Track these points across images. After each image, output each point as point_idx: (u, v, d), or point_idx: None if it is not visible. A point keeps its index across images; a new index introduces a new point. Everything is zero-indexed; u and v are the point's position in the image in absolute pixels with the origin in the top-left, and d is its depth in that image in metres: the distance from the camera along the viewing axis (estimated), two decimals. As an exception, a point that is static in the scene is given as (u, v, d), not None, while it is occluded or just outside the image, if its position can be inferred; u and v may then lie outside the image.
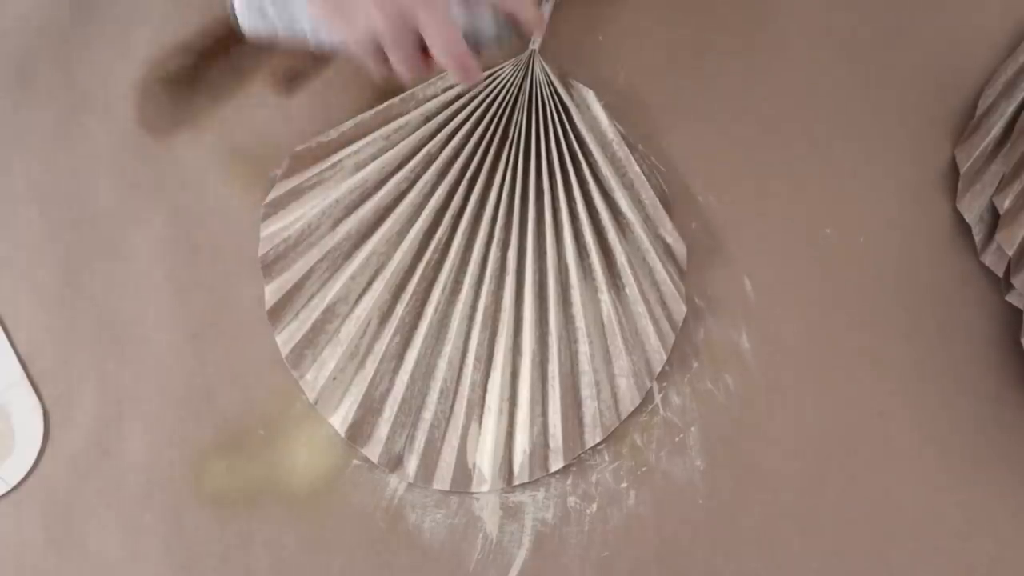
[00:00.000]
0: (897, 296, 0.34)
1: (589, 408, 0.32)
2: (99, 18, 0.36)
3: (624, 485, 0.33)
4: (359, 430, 0.32)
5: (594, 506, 0.32)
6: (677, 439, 0.33)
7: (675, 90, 0.35)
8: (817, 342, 0.33)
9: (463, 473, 0.32)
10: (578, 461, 0.33)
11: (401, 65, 0.28)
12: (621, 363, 0.32)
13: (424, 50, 0.28)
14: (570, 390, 0.32)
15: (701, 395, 0.33)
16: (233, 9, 0.29)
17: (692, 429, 0.33)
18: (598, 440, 0.32)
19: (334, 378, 0.32)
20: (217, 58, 0.36)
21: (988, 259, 0.33)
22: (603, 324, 0.32)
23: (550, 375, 0.32)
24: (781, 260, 0.34)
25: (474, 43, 0.28)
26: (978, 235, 0.34)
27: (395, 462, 0.32)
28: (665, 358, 0.32)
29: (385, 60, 0.28)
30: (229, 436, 0.33)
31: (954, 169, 0.35)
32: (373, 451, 0.32)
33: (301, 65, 0.36)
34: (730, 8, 0.36)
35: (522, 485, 0.32)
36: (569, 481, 0.33)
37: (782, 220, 0.34)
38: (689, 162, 0.35)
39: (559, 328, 0.32)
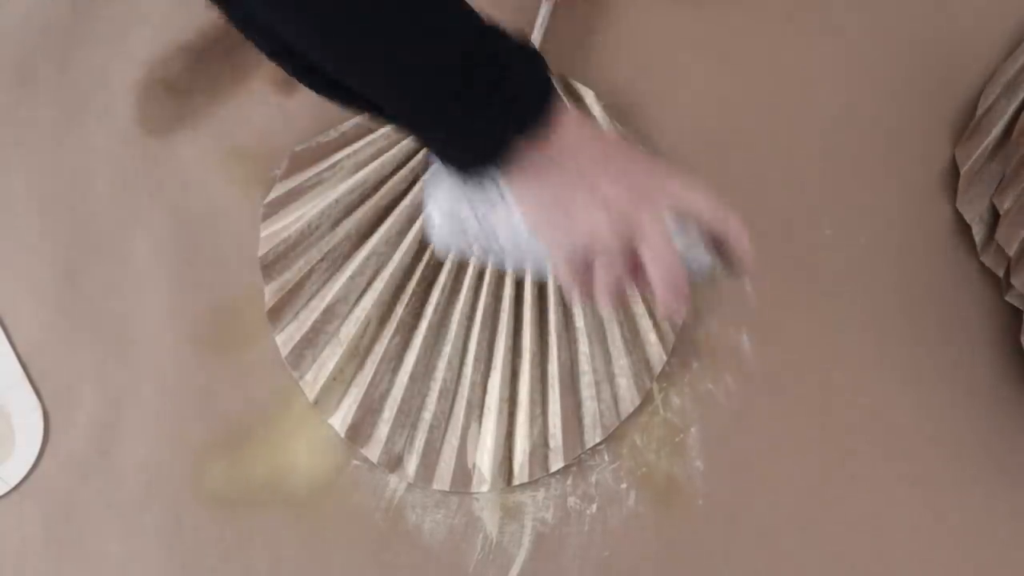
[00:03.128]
0: (897, 296, 0.35)
1: (589, 408, 0.33)
2: (99, 18, 0.37)
3: (624, 485, 0.34)
4: (359, 430, 0.33)
5: (594, 506, 0.34)
6: (677, 439, 0.34)
7: (674, 91, 0.37)
8: (817, 342, 0.35)
9: (463, 473, 0.33)
10: (578, 461, 0.34)
11: (607, 284, 0.25)
12: (621, 363, 0.33)
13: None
14: (570, 390, 0.33)
15: (701, 395, 0.34)
16: (429, 224, 0.27)
17: (692, 429, 0.34)
18: (598, 440, 0.33)
19: (334, 378, 0.34)
20: (216, 58, 0.37)
21: (988, 259, 0.35)
22: (603, 324, 0.33)
23: (550, 375, 0.33)
24: (782, 260, 0.35)
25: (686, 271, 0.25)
26: (978, 235, 0.35)
27: (395, 462, 0.33)
28: (665, 358, 0.34)
29: (588, 282, 0.25)
30: (228, 436, 0.34)
31: (954, 169, 0.36)
32: (373, 451, 0.33)
33: None
34: (728, 9, 0.37)
35: (522, 485, 0.34)
36: (569, 481, 0.34)
37: (783, 220, 0.36)
38: (689, 163, 0.36)
39: (558, 328, 0.33)
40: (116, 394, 0.35)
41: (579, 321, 0.33)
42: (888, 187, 0.36)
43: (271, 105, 0.36)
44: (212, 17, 0.37)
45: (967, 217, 0.35)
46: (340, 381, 0.34)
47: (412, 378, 0.33)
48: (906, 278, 0.35)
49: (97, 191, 0.36)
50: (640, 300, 0.33)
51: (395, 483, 0.34)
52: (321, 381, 0.34)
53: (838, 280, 0.35)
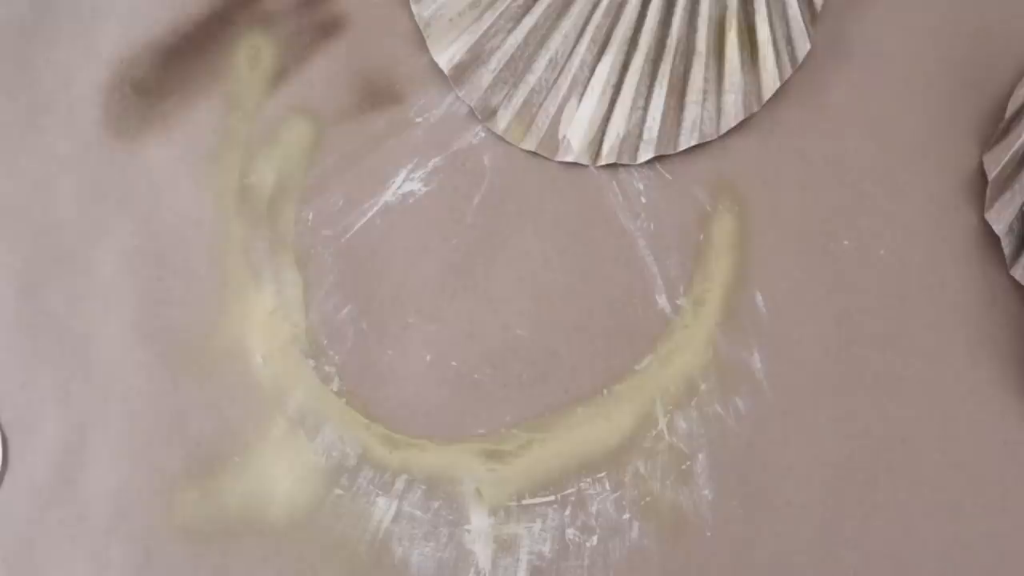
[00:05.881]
0: (920, 312, 0.34)
1: (691, 112, 0.35)
2: (62, 14, 0.37)
3: (627, 516, 0.33)
4: (462, 72, 0.36)
5: (594, 538, 0.33)
6: (683, 466, 0.33)
7: (682, 91, 0.36)
8: (834, 362, 0.34)
9: (552, 141, 0.36)
10: (576, 491, 0.33)
11: None
12: (734, 79, 0.35)
13: None
14: (677, 92, 0.35)
15: (709, 419, 0.34)
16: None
17: (700, 456, 0.34)
18: (692, 143, 0.35)
19: (450, 20, 0.36)
20: (188, 57, 0.36)
21: (1018, 272, 0.34)
22: (724, 42, 0.35)
23: (660, 74, 0.35)
24: (796, 274, 0.35)
25: None
26: (1007, 247, 0.34)
27: (489, 112, 0.36)
28: (779, 84, 0.35)
29: None
30: (202, 463, 0.34)
31: (982, 176, 0.35)
32: (471, 96, 0.36)
33: (280, 64, 0.36)
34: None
35: (517, 516, 0.33)
36: (567, 512, 0.33)
37: (796, 231, 0.35)
38: (693, 167, 0.35)
39: (679, 35, 0.35)
40: (80, 418, 0.34)
41: (701, 31, 0.35)
42: (911, 195, 0.35)
43: (245, 108, 0.36)
44: (183, 13, 0.36)
45: (996, 228, 0.34)
46: (455, 25, 0.36)
47: (526, 41, 0.35)
48: (930, 292, 0.35)
49: (60, 199, 0.36)
50: (767, 27, 0.35)
51: (380, 514, 0.33)
52: (439, 23, 0.36)
53: (857, 295, 0.34)
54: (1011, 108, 0.35)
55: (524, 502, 0.33)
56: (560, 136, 0.36)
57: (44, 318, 0.35)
